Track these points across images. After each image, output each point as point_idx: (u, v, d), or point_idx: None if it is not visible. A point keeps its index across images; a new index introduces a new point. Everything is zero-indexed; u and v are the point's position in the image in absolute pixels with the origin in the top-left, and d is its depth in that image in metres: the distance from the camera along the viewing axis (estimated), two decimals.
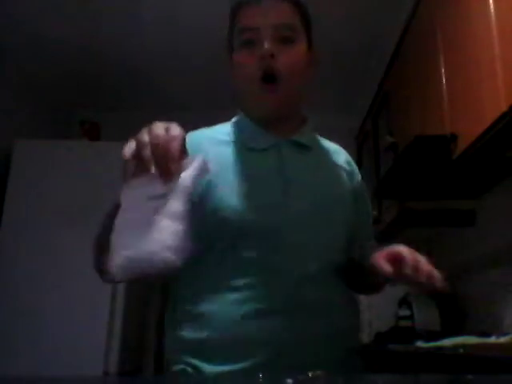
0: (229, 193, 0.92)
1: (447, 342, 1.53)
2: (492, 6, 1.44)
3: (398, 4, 2.47)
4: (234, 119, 1.08)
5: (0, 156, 2.84)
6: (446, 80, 1.81)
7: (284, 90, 0.95)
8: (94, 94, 3.50)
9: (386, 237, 2.88)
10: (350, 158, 1.11)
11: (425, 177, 2.15)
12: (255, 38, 0.94)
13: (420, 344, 1.67)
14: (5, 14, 2.64)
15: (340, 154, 1.10)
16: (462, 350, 1.28)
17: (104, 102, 3.60)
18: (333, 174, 1.03)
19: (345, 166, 1.07)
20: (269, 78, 0.93)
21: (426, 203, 2.36)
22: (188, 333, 0.92)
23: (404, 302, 2.52)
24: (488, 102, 1.44)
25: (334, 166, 1.05)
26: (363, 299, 2.89)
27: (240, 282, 0.89)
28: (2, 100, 2.93)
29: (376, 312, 2.75)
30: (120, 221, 0.75)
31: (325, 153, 1.06)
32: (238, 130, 1.04)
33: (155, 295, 3.40)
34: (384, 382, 0.63)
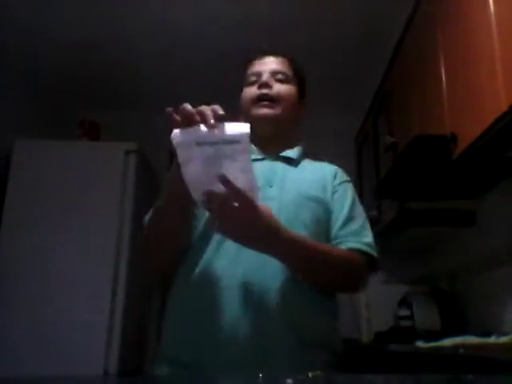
0: None
1: (447, 342, 1.53)
2: (492, 6, 1.44)
3: (398, 3, 2.47)
4: None
5: (0, 156, 2.84)
6: (446, 80, 1.81)
7: (277, 109, 1.23)
8: (94, 93, 3.50)
9: (385, 237, 2.88)
10: (338, 171, 1.29)
11: (425, 177, 2.15)
12: (258, 79, 1.28)
13: (420, 344, 1.67)
14: (5, 14, 2.64)
15: (326, 168, 1.29)
16: (461, 350, 1.28)
17: (104, 102, 3.60)
18: (306, 174, 1.23)
19: (328, 172, 1.27)
20: (265, 98, 1.23)
21: (425, 203, 2.36)
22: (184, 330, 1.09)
23: (404, 302, 2.52)
24: (488, 102, 1.44)
25: (313, 175, 1.24)
26: (363, 299, 2.89)
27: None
28: (2, 100, 2.93)
29: (376, 312, 2.75)
30: (189, 170, 0.86)
31: (308, 166, 1.28)
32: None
33: (155, 295, 3.40)
34: (384, 381, 0.63)
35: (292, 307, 1.05)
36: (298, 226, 1.10)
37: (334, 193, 1.22)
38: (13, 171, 2.79)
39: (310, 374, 0.77)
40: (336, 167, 1.31)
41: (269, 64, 1.30)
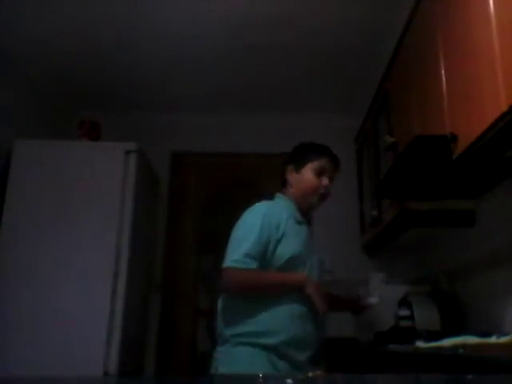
0: (288, 243, 1.66)
1: (447, 342, 1.53)
2: (492, 6, 1.44)
3: (398, 4, 2.47)
4: (279, 198, 1.81)
5: (0, 156, 2.84)
6: (446, 80, 1.81)
7: (323, 203, 1.82)
8: (94, 94, 3.50)
9: (385, 237, 2.88)
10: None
11: (425, 177, 2.15)
12: (322, 173, 1.77)
13: (420, 344, 1.67)
14: (5, 15, 2.64)
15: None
16: (461, 350, 1.28)
17: (104, 102, 3.60)
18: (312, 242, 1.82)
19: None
20: (324, 196, 1.79)
21: (425, 203, 2.36)
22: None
23: (404, 302, 2.52)
24: (488, 102, 1.44)
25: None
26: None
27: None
28: (2, 100, 2.93)
29: (376, 312, 2.75)
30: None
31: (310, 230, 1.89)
32: (289, 207, 1.77)
33: (155, 295, 3.40)
34: (384, 381, 0.63)
35: None
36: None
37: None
38: (13, 171, 2.79)
39: (310, 374, 0.77)
40: None
41: (333, 169, 1.81)
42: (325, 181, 1.76)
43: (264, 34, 2.79)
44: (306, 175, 1.77)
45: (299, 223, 1.73)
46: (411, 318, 2.40)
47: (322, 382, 0.64)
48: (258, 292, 1.61)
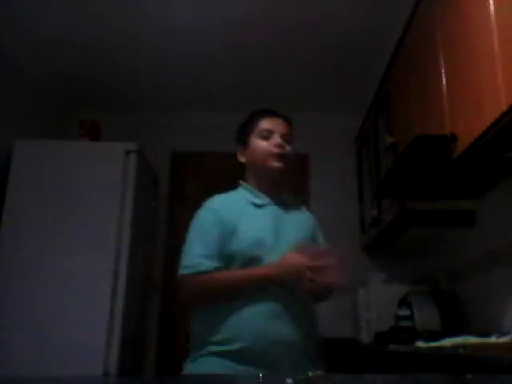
0: (243, 232, 1.45)
1: (447, 342, 1.53)
2: (492, 6, 1.44)
3: (397, 4, 2.47)
4: (240, 187, 1.64)
5: (0, 156, 2.84)
6: (446, 80, 1.81)
7: (286, 165, 1.58)
8: (94, 94, 3.50)
9: (385, 237, 2.89)
10: (312, 218, 1.71)
11: (425, 177, 2.15)
12: (270, 135, 1.59)
13: (420, 344, 1.68)
14: (5, 14, 2.64)
15: (305, 211, 1.71)
16: (462, 350, 1.28)
17: (104, 101, 3.60)
18: (299, 223, 1.60)
19: (307, 217, 1.68)
20: (282, 156, 1.57)
21: (425, 203, 2.36)
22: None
23: (404, 302, 2.52)
24: (488, 101, 1.44)
25: (301, 217, 1.64)
26: (362, 299, 2.89)
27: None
28: (2, 100, 2.93)
29: (376, 312, 2.76)
30: None
31: (296, 210, 1.65)
32: (246, 193, 1.60)
33: (155, 295, 3.40)
34: (384, 381, 0.63)
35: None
36: None
37: (314, 237, 1.64)
38: (13, 171, 2.79)
39: (310, 374, 0.77)
40: (310, 216, 1.72)
41: (279, 126, 1.62)
42: (275, 139, 1.57)
43: (264, 33, 2.79)
44: (253, 145, 1.60)
45: (259, 206, 1.53)
46: (411, 318, 2.40)
47: (322, 382, 0.64)
48: (219, 299, 1.40)
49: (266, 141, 1.58)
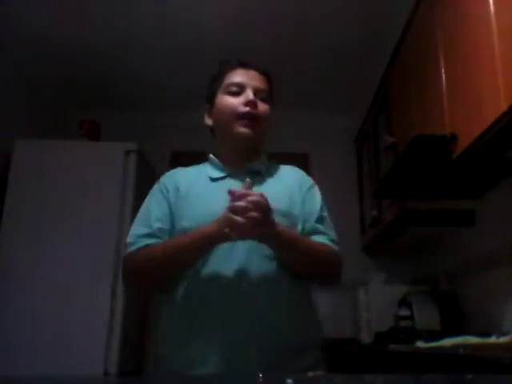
0: (191, 208, 1.23)
1: (447, 342, 1.53)
2: (492, 6, 1.44)
3: (398, 4, 2.47)
4: (205, 163, 1.39)
5: (0, 156, 2.84)
6: (446, 80, 1.81)
7: (258, 129, 1.27)
8: (94, 94, 3.50)
9: (385, 237, 2.88)
10: (302, 179, 1.35)
11: (425, 177, 2.15)
12: (241, 91, 1.29)
13: (420, 344, 1.68)
14: (5, 14, 2.64)
15: (291, 173, 1.36)
16: (462, 350, 1.28)
17: (104, 102, 3.60)
18: (275, 189, 1.25)
19: (293, 181, 1.32)
20: (252, 117, 1.26)
21: (425, 203, 2.36)
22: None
23: (404, 302, 2.52)
24: (488, 101, 1.44)
25: (278, 182, 1.30)
26: (362, 299, 2.89)
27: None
28: (2, 100, 2.93)
29: (376, 312, 2.76)
30: None
31: (273, 175, 1.33)
32: (206, 167, 1.37)
33: (155, 295, 3.40)
34: (384, 381, 0.63)
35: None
36: None
37: (302, 202, 1.28)
38: (13, 171, 2.79)
39: (310, 374, 0.77)
40: (299, 173, 1.37)
41: (253, 79, 1.32)
42: (247, 95, 1.27)
43: (264, 33, 2.79)
44: (218, 103, 1.31)
45: (215, 180, 1.28)
46: (411, 318, 2.40)
47: (322, 382, 0.64)
48: (163, 266, 1.19)
49: (235, 97, 1.28)
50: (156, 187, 1.34)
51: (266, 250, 1.14)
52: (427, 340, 1.69)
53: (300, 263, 1.19)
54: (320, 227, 1.27)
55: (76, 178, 2.79)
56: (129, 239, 1.27)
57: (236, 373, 0.87)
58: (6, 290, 2.58)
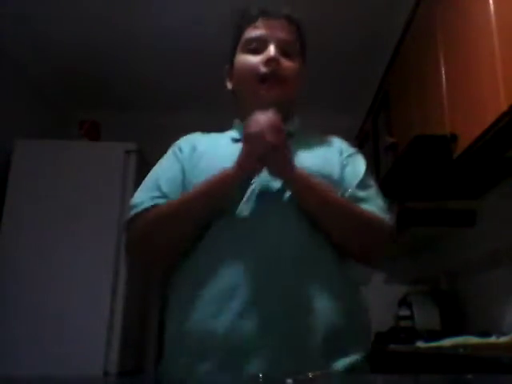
0: (209, 163, 1.04)
1: (447, 342, 1.53)
2: (492, 6, 1.44)
3: (398, 4, 2.47)
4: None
5: (0, 156, 2.84)
6: (446, 80, 1.81)
7: (284, 91, 1.08)
8: (94, 93, 3.50)
9: None
10: (343, 145, 1.16)
11: (425, 177, 2.15)
12: (261, 47, 1.09)
13: (420, 344, 1.68)
14: (5, 14, 2.64)
15: (330, 139, 1.17)
16: (462, 350, 1.28)
17: (104, 102, 3.60)
18: (311, 151, 1.09)
19: (333, 146, 1.13)
20: (275, 77, 1.06)
21: (426, 203, 2.36)
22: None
23: (404, 302, 2.52)
24: (488, 101, 1.44)
25: (315, 145, 1.11)
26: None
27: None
28: (2, 100, 2.93)
29: (376, 312, 2.76)
30: None
31: (308, 138, 1.14)
32: (229, 132, 1.19)
33: (156, 295, 3.40)
34: (384, 381, 0.63)
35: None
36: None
37: (343, 167, 1.08)
38: (13, 171, 2.79)
39: (310, 374, 0.77)
40: (340, 140, 1.18)
41: (276, 30, 1.10)
42: (268, 52, 1.07)
43: None
44: (237, 63, 1.13)
45: (238, 140, 1.07)
46: (411, 318, 2.40)
47: (322, 382, 0.64)
48: (177, 231, 1.00)
49: (255, 55, 1.09)
50: (170, 150, 1.17)
51: (301, 219, 0.97)
52: (427, 340, 1.69)
53: (332, 222, 0.98)
54: (363, 193, 1.06)
55: (76, 178, 2.79)
56: (133, 201, 1.12)
57: (236, 373, 0.85)
58: (5, 289, 2.58)
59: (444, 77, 1.82)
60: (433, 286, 2.61)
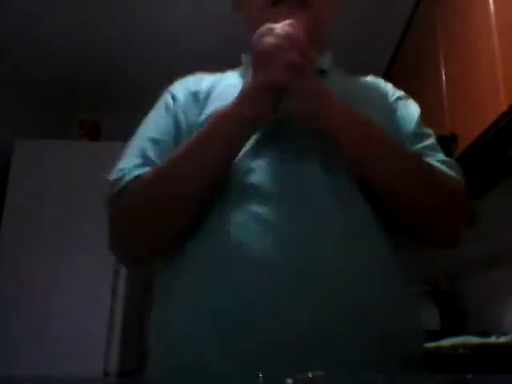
0: (217, 104, 0.83)
1: (447, 342, 1.53)
2: (492, 6, 1.44)
3: (398, 4, 2.47)
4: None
5: (0, 156, 2.84)
6: (446, 80, 1.81)
7: (309, 16, 0.83)
8: (94, 94, 3.50)
9: None
10: (388, 85, 0.97)
11: None
12: None
13: None
14: (4, 14, 2.64)
15: (371, 82, 0.97)
16: (461, 350, 1.28)
17: (104, 102, 3.60)
18: (349, 91, 0.86)
19: (376, 87, 0.93)
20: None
21: None
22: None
23: None
24: (488, 101, 1.44)
25: (354, 85, 0.91)
26: None
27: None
28: (2, 100, 2.93)
29: None
30: None
31: (345, 77, 0.94)
32: (237, 69, 0.96)
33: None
34: (384, 381, 0.62)
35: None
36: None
37: (391, 113, 0.89)
38: (13, 171, 2.79)
39: (310, 374, 0.77)
40: (382, 81, 0.98)
41: None
42: None
43: None
44: None
45: None
46: None
47: (322, 382, 0.63)
48: (170, 205, 0.77)
49: None
50: (166, 93, 0.95)
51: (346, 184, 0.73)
52: (427, 340, 1.69)
53: (387, 180, 0.73)
54: (422, 145, 0.86)
55: (76, 178, 2.79)
56: (111, 176, 0.89)
57: (236, 372, 0.82)
58: (5, 289, 2.58)
59: (444, 77, 1.82)
60: (433, 286, 2.61)
